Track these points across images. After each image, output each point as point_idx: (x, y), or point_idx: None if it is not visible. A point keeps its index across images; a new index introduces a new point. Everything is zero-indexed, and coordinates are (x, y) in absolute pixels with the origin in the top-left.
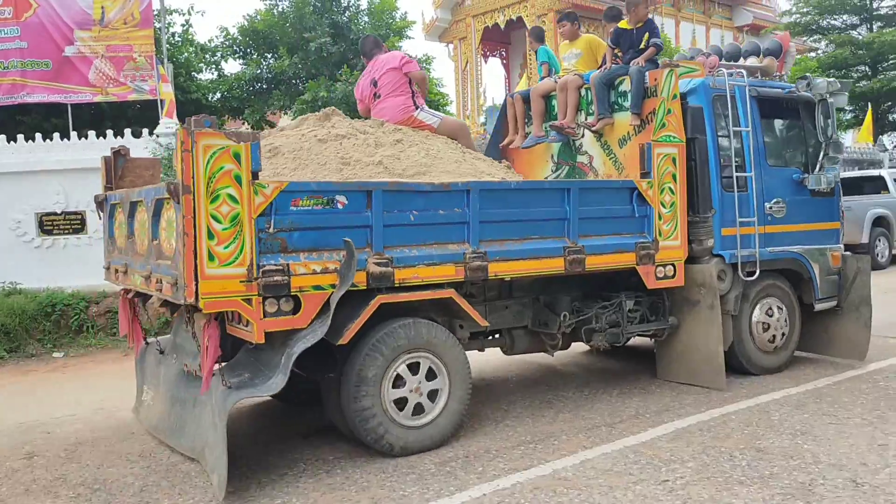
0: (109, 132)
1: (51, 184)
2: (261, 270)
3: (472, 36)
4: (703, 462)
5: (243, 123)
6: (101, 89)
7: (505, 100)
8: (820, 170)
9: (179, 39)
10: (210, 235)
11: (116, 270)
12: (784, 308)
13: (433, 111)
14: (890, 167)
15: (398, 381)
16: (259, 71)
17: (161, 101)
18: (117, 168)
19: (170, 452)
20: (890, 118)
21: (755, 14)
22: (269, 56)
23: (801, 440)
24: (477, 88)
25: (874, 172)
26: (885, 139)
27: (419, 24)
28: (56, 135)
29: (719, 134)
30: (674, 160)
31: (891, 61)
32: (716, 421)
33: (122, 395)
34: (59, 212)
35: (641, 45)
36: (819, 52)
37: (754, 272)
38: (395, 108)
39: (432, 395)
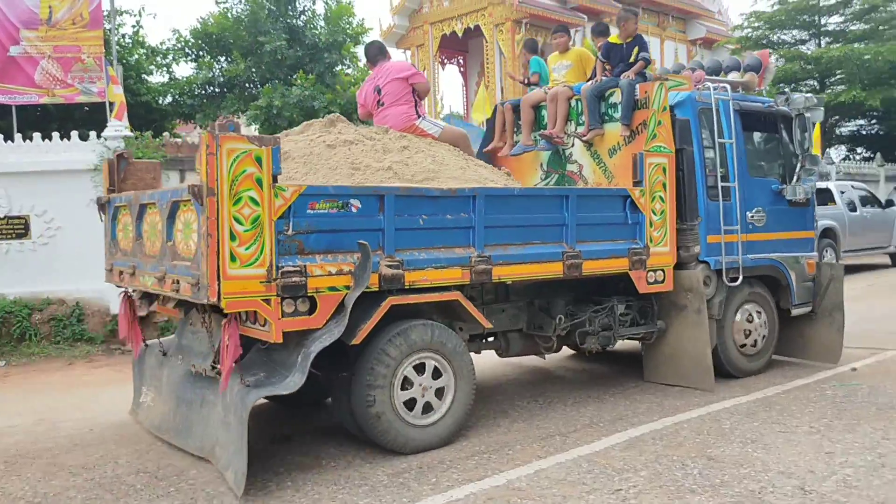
0: (56, 134)
1: None
2: (280, 271)
3: (430, 43)
4: (656, 471)
5: (195, 127)
6: (48, 91)
7: (495, 108)
8: (797, 181)
9: (130, 41)
10: (232, 237)
11: (121, 272)
12: (763, 313)
13: (434, 120)
14: (837, 180)
15: (406, 381)
16: (212, 74)
17: (110, 103)
18: (120, 171)
19: (115, 465)
20: (837, 132)
21: (708, 28)
22: (223, 59)
23: (752, 448)
24: (434, 95)
25: (821, 185)
26: (833, 152)
27: (376, 30)
28: None
29: (705, 145)
30: (664, 170)
31: (838, 76)
32: (668, 429)
33: (66, 405)
34: (1, 216)
35: (631, 59)
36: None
37: (737, 278)
38: (398, 116)
39: (439, 393)
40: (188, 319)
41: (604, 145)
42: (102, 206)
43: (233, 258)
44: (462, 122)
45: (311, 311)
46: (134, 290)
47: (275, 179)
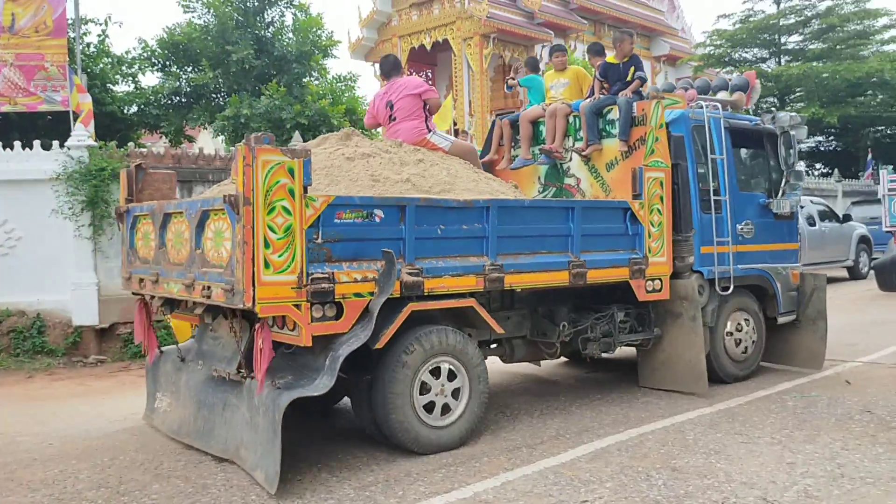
0: (17, 143)
1: None
2: (309, 278)
3: (399, 56)
4: (621, 482)
5: (161, 137)
6: (10, 99)
7: (493, 122)
8: (782, 195)
9: (95, 50)
10: (266, 244)
11: (141, 280)
12: (752, 321)
13: (444, 134)
14: None
15: (424, 385)
16: (178, 84)
17: (75, 113)
18: (138, 181)
19: (75, 480)
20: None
21: (672, 45)
22: (190, 69)
23: (715, 459)
24: None
25: None
26: None
27: (345, 42)
28: None
29: (697, 161)
30: (661, 184)
31: (797, 93)
32: (633, 441)
33: (26, 419)
34: None
35: (628, 78)
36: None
37: (728, 287)
38: (409, 131)
39: (455, 394)
40: (208, 326)
41: (601, 160)
42: (121, 215)
43: (266, 265)
44: None
45: (338, 316)
46: (154, 298)
47: (305, 190)
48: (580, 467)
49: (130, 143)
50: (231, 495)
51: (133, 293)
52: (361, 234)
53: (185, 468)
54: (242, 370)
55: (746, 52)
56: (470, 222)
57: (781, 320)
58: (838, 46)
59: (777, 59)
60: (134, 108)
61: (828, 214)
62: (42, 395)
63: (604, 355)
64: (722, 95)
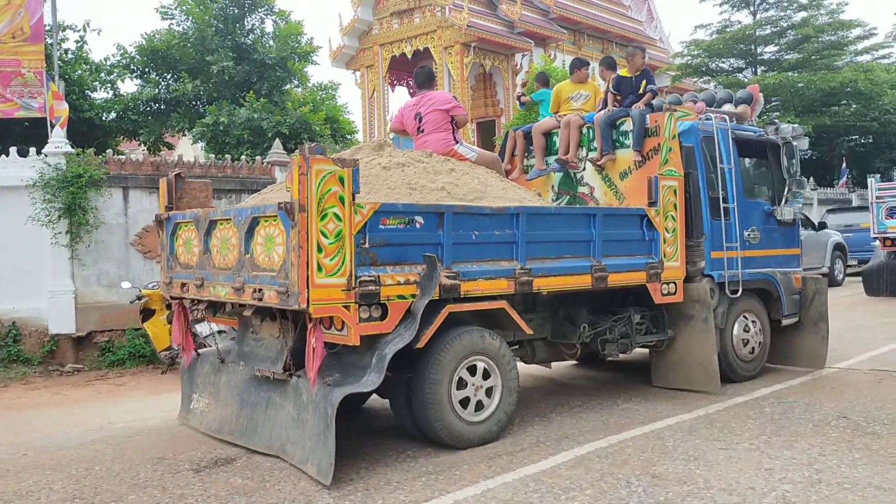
0: None
1: None
2: (357, 280)
3: (380, 64)
4: (602, 489)
5: (140, 145)
6: None
7: (506, 134)
8: (785, 203)
9: (73, 56)
10: (319, 249)
11: (183, 284)
12: (758, 322)
13: (469, 146)
14: None
15: (461, 382)
16: (157, 91)
17: (52, 120)
18: (177, 189)
19: (49, 491)
20: None
21: (650, 55)
22: (169, 76)
23: (694, 465)
24: (384, 116)
25: None
26: None
27: (326, 49)
28: None
29: (707, 170)
30: (675, 192)
31: (773, 103)
32: (613, 447)
33: (0, 429)
34: None
35: (640, 91)
36: (712, 86)
37: (737, 290)
38: (437, 142)
39: (489, 392)
40: (248, 328)
41: (615, 169)
42: (161, 222)
43: (319, 268)
44: (410, 143)
45: (383, 317)
46: (196, 301)
47: (353, 197)
48: (560, 474)
49: (109, 150)
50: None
51: (172, 297)
52: (403, 240)
53: (161, 478)
54: (290, 369)
55: (723, 63)
56: (501, 228)
57: (785, 322)
58: (813, 57)
59: (753, 69)
60: (112, 115)
61: (803, 222)
62: (17, 405)
63: (622, 356)
64: (727, 108)
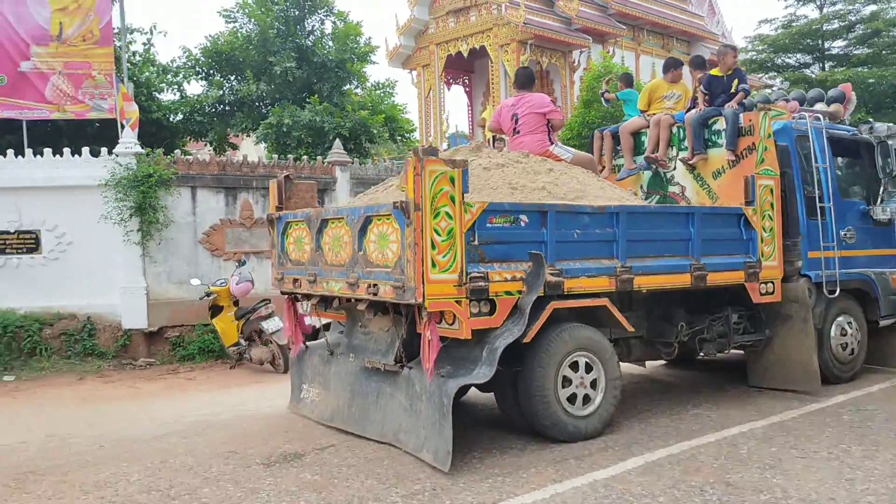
0: (66, 150)
1: (4, 201)
2: (468, 277)
3: (436, 63)
4: (675, 497)
5: (206, 145)
6: (58, 106)
7: (592, 134)
8: (881, 202)
9: (140, 59)
10: (433, 246)
11: (295, 280)
12: (855, 323)
13: (565, 147)
14: None
15: (566, 377)
16: (222, 93)
17: (123, 121)
18: (287, 190)
19: (126, 483)
20: None
21: (712, 50)
22: (233, 78)
23: (770, 474)
24: (440, 115)
25: None
26: None
27: (382, 49)
28: (10, 151)
29: (802, 169)
30: (772, 191)
31: None
32: (685, 454)
33: (77, 421)
34: (12, 231)
35: (732, 90)
36: (775, 88)
37: (835, 290)
38: (533, 143)
39: (593, 384)
40: (357, 322)
41: (707, 168)
42: (272, 221)
43: (433, 265)
44: (466, 141)
45: (491, 312)
46: (307, 296)
47: (462, 197)
48: (631, 480)
49: (177, 151)
50: (280, 500)
51: (282, 292)
52: (509, 238)
53: (233, 472)
54: (401, 361)
55: (789, 58)
56: (602, 227)
57: (883, 323)
58: (884, 52)
59: (821, 65)
60: (179, 116)
61: None
62: (93, 397)
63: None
64: (819, 107)
